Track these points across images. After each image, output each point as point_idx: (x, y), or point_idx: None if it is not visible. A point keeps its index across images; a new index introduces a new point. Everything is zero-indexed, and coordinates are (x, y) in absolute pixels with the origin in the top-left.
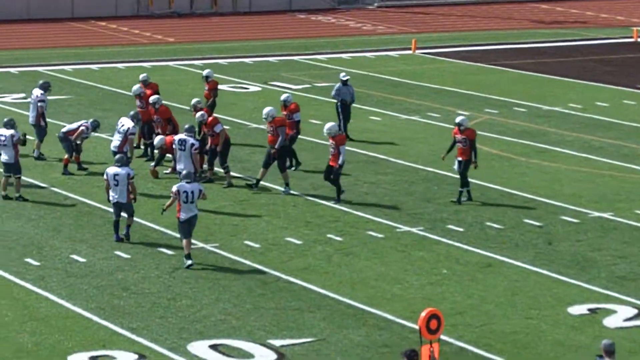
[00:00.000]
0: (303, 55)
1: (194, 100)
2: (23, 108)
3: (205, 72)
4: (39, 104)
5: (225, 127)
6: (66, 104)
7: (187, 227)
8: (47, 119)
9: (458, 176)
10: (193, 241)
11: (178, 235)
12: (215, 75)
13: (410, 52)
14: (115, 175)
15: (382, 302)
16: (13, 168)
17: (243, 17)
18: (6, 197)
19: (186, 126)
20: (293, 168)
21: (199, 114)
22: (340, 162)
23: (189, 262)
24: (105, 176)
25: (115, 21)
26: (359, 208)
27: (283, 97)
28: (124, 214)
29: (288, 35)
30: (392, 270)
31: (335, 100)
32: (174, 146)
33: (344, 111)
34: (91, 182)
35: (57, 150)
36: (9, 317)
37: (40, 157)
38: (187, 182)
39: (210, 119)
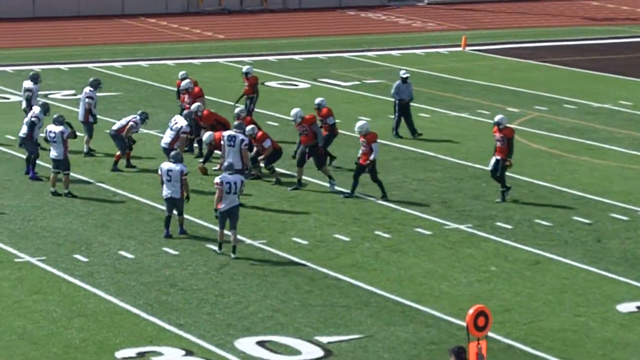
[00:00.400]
0: (352, 52)
1: (237, 110)
2: (73, 104)
3: (245, 69)
4: (86, 100)
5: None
6: (116, 101)
7: (226, 218)
8: (98, 116)
9: (508, 174)
10: (241, 237)
11: (227, 232)
12: (264, 72)
13: (460, 49)
14: (169, 170)
15: (429, 299)
16: (62, 164)
17: (293, 14)
18: (55, 194)
19: (235, 122)
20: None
21: (249, 127)
22: (372, 158)
23: (234, 255)
24: (159, 171)
25: (165, 18)
26: (407, 205)
27: (317, 101)
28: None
29: (337, 32)
30: (440, 268)
31: (393, 99)
32: (222, 142)
33: (402, 109)
34: (140, 179)
35: (106, 147)
36: (57, 313)
37: (89, 153)
38: (229, 174)
39: (259, 134)
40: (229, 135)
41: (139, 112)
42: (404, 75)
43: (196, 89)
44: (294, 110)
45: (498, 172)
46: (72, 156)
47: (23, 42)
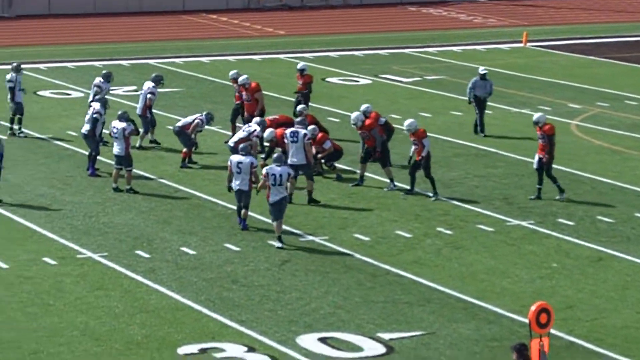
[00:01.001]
0: (413, 48)
1: (299, 107)
2: (134, 100)
3: (300, 65)
4: (148, 95)
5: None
6: (177, 97)
7: (277, 209)
8: (160, 112)
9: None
10: (302, 233)
11: (287, 228)
12: (325, 68)
13: (521, 44)
14: (238, 163)
15: (491, 295)
16: (124, 161)
17: (354, 10)
18: (117, 190)
19: (298, 119)
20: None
21: (310, 127)
22: (424, 154)
23: (279, 244)
24: (229, 163)
25: (225, 14)
26: (468, 201)
27: (362, 107)
28: None
29: (399, 28)
30: (502, 264)
31: (467, 96)
32: (285, 139)
33: (478, 106)
34: (201, 175)
35: (167, 143)
36: (119, 309)
37: (155, 142)
38: (277, 165)
39: (320, 135)
40: (291, 132)
41: (205, 112)
42: (482, 72)
43: (253, 84)
44: (354, 115)
45: (544, 171)
46: (135, 152)
47: (84, 38)
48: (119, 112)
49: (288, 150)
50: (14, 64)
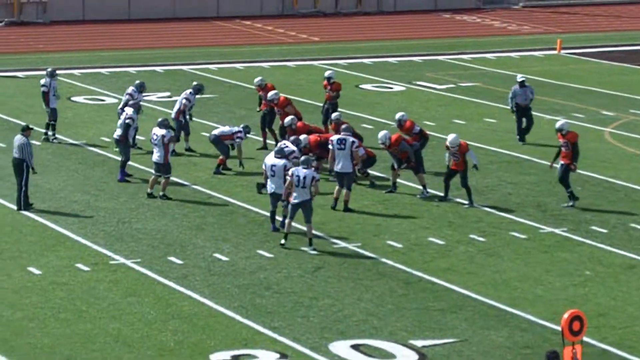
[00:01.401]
0: (447, 55)
1: (334, 115)
2: (167, 107)
3: (327, 73)
4: (183, 101)
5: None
6: (211, 103)
7: (297, 210)
8: (195, 119)
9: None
10: (335, 240)
11: (320, 234)
12: (359, 74)
13: (555, 52)
14: (272, 166)
15: (524, 303)
16: (163, 168)
17: (388, 17)
18: (151, 195)
19: (343, 126)
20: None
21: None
22: (474, 164)
23: (311, 250)
24: (263, 167)
25: (260, 20)
26: (501, 209)
27: (397, 116)
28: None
29: (432, 35)
30: (535, 271)
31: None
32: (331, 146)
33: (520, 114)
34: (235, 181)
35: (201, 149)
36: (152, 316)
37: (174, 153)
38: (303, 168)
39: (394, 137)
40: (338, 139)
41: (243, 125)
42: (520, 79)
43: (281, 98)
44: (381, 134)
45: (562, 177)
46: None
47: (118, 44)
48: (159, 120)
49: (333, 157)
50: (49, 70)
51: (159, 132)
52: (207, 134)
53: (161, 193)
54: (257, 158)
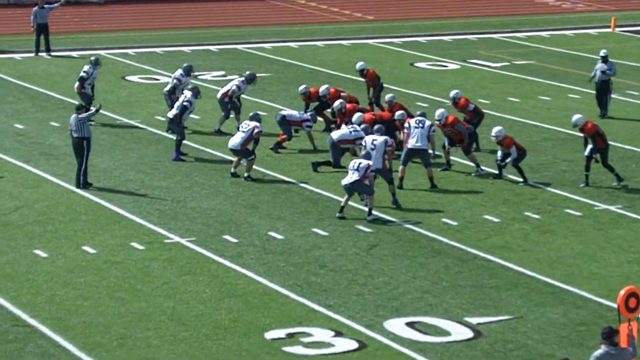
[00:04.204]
0: (502, 33)
1: (388, 96)
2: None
3: (358, 66)
4: (233, 87)
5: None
6: (266, 82)
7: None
8: (249, 97)
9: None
10: (390, 218)
11: (377, 214)
12: (414, 52)
13: (609, 30)
14: (373, 140)
15: (579, 280)
16: (242, 153)
17: None
18: (234, 175)
19: (418, 112)
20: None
21: (398, 113)
22: (509, 160)
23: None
24: (363, 143)
25: None
26: (556, 186)
27: (451, 94)
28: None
29: (487, 13)
30: (590, 249)
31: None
32: (407, 125)
33: (600, 89)
34: (290, 160)
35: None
36: (207, 294)
37: (220, 132)
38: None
39: (450, 118)
40: (417, 120)
41: (310, 113)
42: (603, 54)
43: (332, 90)
44: (439, 112)
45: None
46: (217, 137)
47: (173, 24)
48: (251, 114)
49: (408, 137)
50: (93, 58)
51: (251, 123)
52: (264, 114)
53: (246, 174)
54: (318, 138)
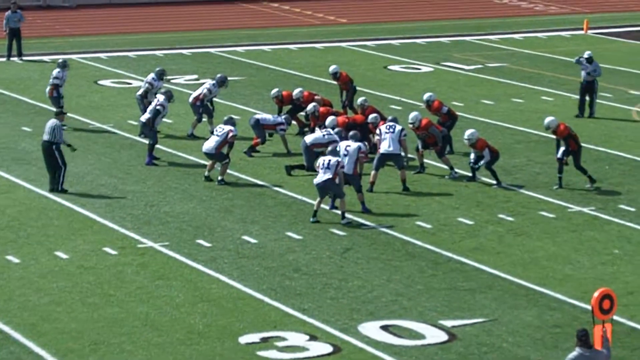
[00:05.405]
0: (475, 36)
1: (360, 99)
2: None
3: (331, 70)
4: (204, 90)
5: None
6: (239, 85)
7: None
8: (222, 101)
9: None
10: (364, 222)
11: (352, 218)
12: (387, 55)
13: (582, 32)
14: (347, 147)
15: (553, 282)
16: (216, 157)
17: None
18: (207, 179)
19: (390, 117)
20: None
21: (372, 115)
22: (482, 163)
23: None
24: (337, 148)
25: (287, 2)
26: (530, 188)
27: (425, 97)
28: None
29: (460, 16)
30: (564, 251)
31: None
32: (378, 130)
33: (586, 89)
34: (263, 163)
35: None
36: (181, 299)
37: (193, 135)
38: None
39: (381, 123)
40: (388, 125)
41: (284, 116)
42: (587, 56)
43: (305, 93)
44: (412, 115)
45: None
46: (190, 141)
47: (145, 28)
48: (225, 118)
49: (381, 140)
50: (60, 61)
51: (225, 127)
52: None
53: (219, 178)
54: (291, 142)
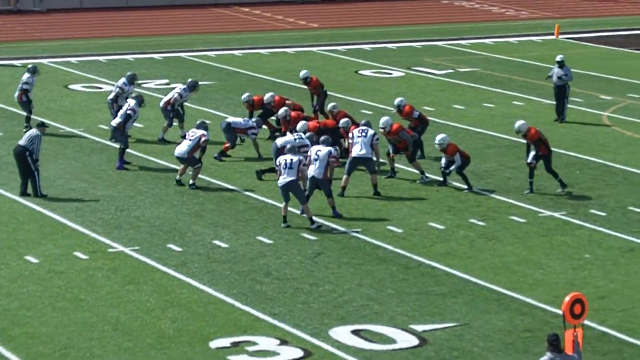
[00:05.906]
0: (446, 41)
1: (330, 105)
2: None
3: (302, 74)
4: (175, 95)
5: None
6: (210, 90)
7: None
8: (192, 105)
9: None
10: (335, 226)
11: (322, 222)
12: (358, 60)
13: (553, 37)
14: (317, 151)
15: (524, 286)
16: (189, 161)
17: (387, 3)
18: (179, 183)
19: (363, 121)
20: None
21: (343, 120)
22: (453, 168)
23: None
24: (308, 153)
25: (258, 7)
26: (501, 193)
27: (396, 102)
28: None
29: (431, 21)
30: (535, 255)
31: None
32: (351, 134)
33: (558, 94)
34: (234, 168)
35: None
36: (151, 303)
37: (163, 140)
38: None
39: (352, 127)
40: (360, 129)
41: (255, 120)
42: (559, 59)
43: (276, 98)
44: (383, 120)
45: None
46: (161, 145)
47: (116, 32)
48: (199, 122)
49: (351, 145)
50: (30, 66)
51: (197, 131)
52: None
53: (191, 182)
54: (262, 146)
